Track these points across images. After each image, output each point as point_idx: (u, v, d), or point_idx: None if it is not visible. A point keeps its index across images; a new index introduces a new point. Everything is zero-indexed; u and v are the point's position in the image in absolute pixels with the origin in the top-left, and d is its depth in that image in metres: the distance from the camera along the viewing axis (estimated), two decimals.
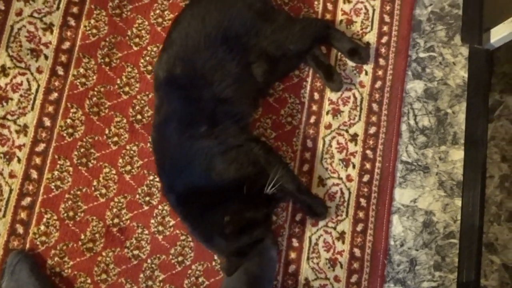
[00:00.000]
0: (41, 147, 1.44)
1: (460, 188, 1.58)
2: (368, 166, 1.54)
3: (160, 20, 1.56)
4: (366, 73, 1.59)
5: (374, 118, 1.57)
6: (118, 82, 1.51)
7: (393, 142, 1.56)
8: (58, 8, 1.53)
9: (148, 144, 1.47)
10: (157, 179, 1.45)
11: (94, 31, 1.53)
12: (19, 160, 1.43)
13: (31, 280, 1.30)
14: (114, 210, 1.43)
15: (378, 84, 1.59)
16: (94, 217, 1.42)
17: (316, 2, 1.63)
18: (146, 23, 1.55)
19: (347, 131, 1.56)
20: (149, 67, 1.52)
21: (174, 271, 1.42)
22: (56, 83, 1.48)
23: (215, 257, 1.43)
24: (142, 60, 1.53)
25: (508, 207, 1.65)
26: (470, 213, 1.56)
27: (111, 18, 1.54)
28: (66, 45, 1.51)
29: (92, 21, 1.53)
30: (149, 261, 1.42)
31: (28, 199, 1.41)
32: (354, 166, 1.54)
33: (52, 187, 1.42)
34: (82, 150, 1.45)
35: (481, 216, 1.57)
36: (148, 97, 1.50)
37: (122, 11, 1.55)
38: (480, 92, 1.65)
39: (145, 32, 1.55)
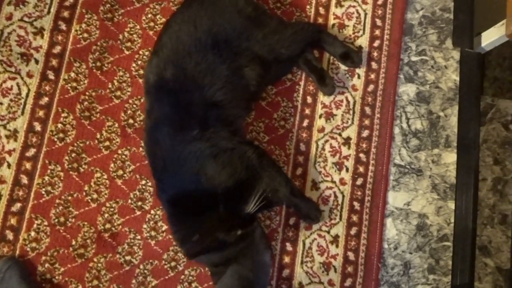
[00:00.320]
0: (31, 152, 1.42)
1: (453, 191, 1.58)
2: (361, 169, 1.54)
3: (152, 24, 1.56)
4: (359, 77, 1.60)
5: (367, 122, 1.57)
6: (110, 86, 1.50)
7: (386, 145, 1.56)
8: (49, 12, 1.52)
9: (140, 149, 1.46)
10: (150, 184, 1.44)
11: (86, 35, 1.52)
12: (9, 166, 1.41)
13: (22, 287, 1.29)
14: (106, 215, 1.42)
15: (371, 87, 1.59)
16: (86, 223, 1.41)
17: (308, 6, 1.63)
18: (138, 27, 1.55)
19: (340, 134, 1.56)
20: (141, 71, 1.51)
21: (167, 276, 1.41)
22: (47, 88, 1.47)
23: None
24: (134, 64, 1.52)
25: (501, 210, 1.65)
26: (464, 216, 1.56)
27: (103, 22, 1.53)
28: (57, 49, 1.50)
29: (83, 25, 1.52)
30: (141, 266, 1.40)
31: (18, 205, 1.39)
32: (347, 170, 1.53)
33: (43, 192, 1.41)
34: (73, 155, 1.44)
35: (474, 219, 1.57)
36: (140, 101, 1.50)
37: (113, 15, 1.55)
38: (472, 95, 1.66)
39: (137, 36, 1.54)
